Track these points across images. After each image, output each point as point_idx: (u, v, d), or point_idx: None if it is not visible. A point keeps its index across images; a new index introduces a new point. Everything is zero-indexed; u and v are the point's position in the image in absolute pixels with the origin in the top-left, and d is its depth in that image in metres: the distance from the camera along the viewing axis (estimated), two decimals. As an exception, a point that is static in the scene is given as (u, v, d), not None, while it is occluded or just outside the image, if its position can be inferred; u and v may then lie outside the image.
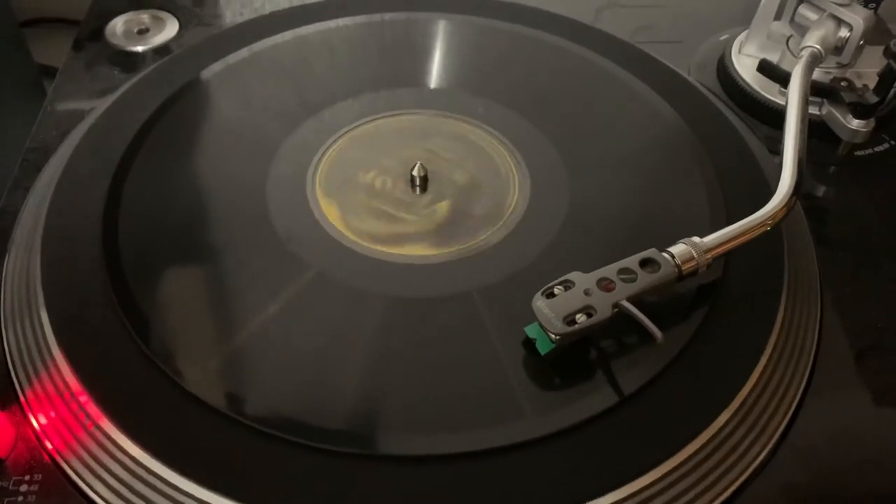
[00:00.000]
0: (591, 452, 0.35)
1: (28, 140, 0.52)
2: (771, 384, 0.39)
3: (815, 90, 0.50)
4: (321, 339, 0.40)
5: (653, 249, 0.39)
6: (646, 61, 0.56)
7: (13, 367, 0.40)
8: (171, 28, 0.62)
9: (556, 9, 0.60)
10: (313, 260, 0.43)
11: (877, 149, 0.53)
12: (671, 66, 0.56)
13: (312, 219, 0.45)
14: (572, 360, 0.38)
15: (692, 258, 0.39)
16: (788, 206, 0.41)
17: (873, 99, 0.50)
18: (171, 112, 0.51)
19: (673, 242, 0.40)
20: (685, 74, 0.57)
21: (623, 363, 0.38)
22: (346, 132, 0.51)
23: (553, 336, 0.37)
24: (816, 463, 0.38)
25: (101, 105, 0.53)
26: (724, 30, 0.61)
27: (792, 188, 0.42)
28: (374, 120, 0.52)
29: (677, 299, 0.41)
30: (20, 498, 0.35)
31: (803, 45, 0.50)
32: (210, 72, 0.54)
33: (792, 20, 0.55)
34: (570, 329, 0.36)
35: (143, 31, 0.62)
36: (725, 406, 0.37)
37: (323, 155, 0.49)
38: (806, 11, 0.53)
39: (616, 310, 0.37)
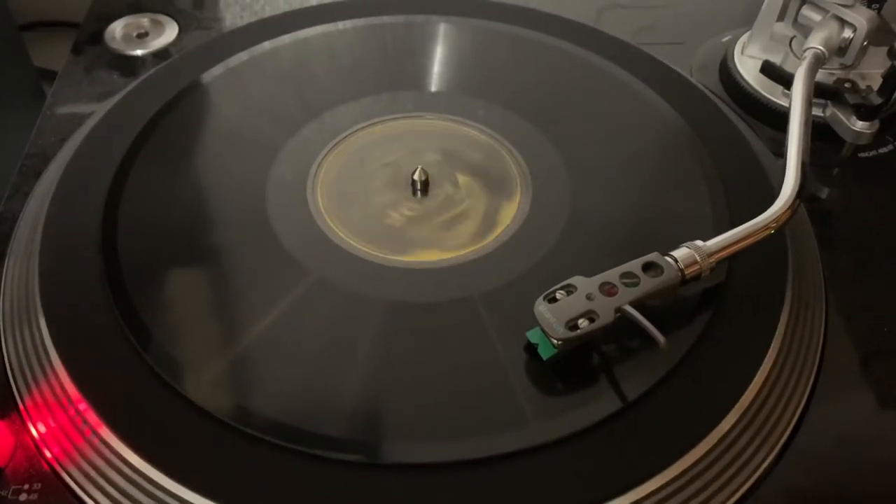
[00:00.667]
0: (593, 459, 0.35)
1: (27, 145, 0.52)
2: (776, 389, 0.38)
3: (819, 92, 0.50)
4: (322, 345, 0.39)
5: (655, 253, 0.39)
6: (647, 63, 0.56)
7: (12, 375, 0.40)
8: (170, 32, 0.62)
9: (557, 10, 0.60)
10: (314, 265, 0.43)
11: (881, 150, 0.52)
12: (673, 67, 0.56)
13: (313, 223, 0.45)
14: (574, 365, 0.38)
15: (695, 262, 0.39)
16: (792, 208, 0.41)
17: (877, 100, 0.49)
18: (171, 116, 0.51)
19: (676, 246, 0.39)
20: (687, 76, 0.56)
21: (626, 368, 0.38)
22: (346, 136, 0.50)
23: (555, 341, 0.36)
24: (822, 469, 0.37)
25: (101, 109, 0.53)
26: (726, 31, 0.61)
27: (796, 191, 0.42)
28: (374, 123, 0.51)
29: (680, 303, 0.40)
30: (19, 507, 0.35)
31: (806, 46, 0.50)
32: (210, 76, 0.54)
33: (795, 21, 0.54)
34: (572, 334, 0.36)
35: (142, 35, 0.62)
36: (729, 411, 0.37)
37: (323, 159, 0.49)
38: (809, 12, 0.53)
39: (618, 314, 0.37)
